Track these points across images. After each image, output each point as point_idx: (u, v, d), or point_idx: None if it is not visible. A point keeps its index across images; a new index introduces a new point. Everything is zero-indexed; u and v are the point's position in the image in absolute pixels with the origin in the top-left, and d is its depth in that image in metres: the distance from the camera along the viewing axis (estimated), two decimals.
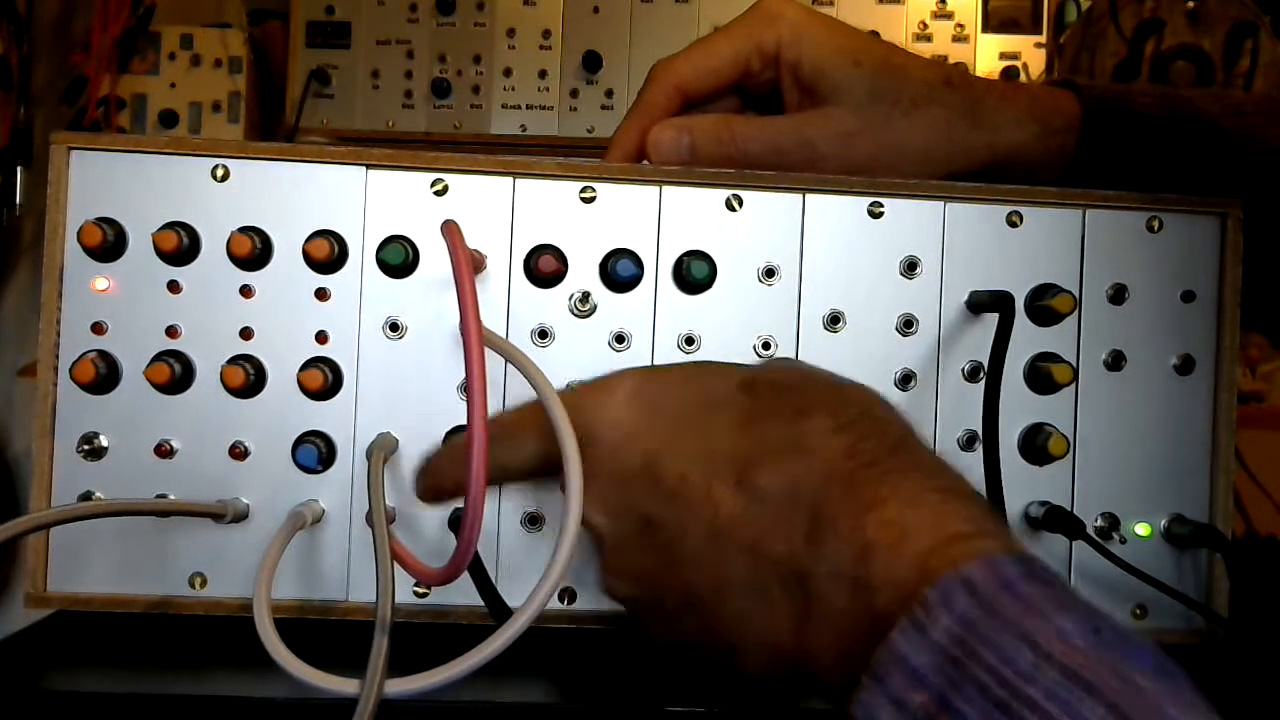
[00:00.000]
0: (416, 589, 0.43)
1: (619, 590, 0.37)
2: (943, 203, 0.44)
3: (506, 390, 0.43)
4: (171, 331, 0.42)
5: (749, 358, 0.44)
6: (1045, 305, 0.44)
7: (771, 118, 0.48)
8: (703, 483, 0.33)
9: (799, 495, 0.31)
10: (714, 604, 0.33)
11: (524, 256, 0.43)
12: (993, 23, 1.01)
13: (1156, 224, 0.45)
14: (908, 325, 0.44)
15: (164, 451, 0.42)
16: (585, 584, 0.44)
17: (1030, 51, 1.00)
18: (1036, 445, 0.44)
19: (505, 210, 0.43)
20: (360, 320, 0.43)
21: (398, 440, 0.43)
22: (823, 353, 0.44)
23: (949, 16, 0.99)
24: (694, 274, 0.43)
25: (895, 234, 0.44)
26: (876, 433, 0.32)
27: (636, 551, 0.35)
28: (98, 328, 0.42)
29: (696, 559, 0.33)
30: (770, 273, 0.44)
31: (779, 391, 0.35)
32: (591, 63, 0.97)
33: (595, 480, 0.34)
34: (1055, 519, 0.43)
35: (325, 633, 0.38)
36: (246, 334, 0.43)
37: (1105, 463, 0.45)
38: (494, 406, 0.43)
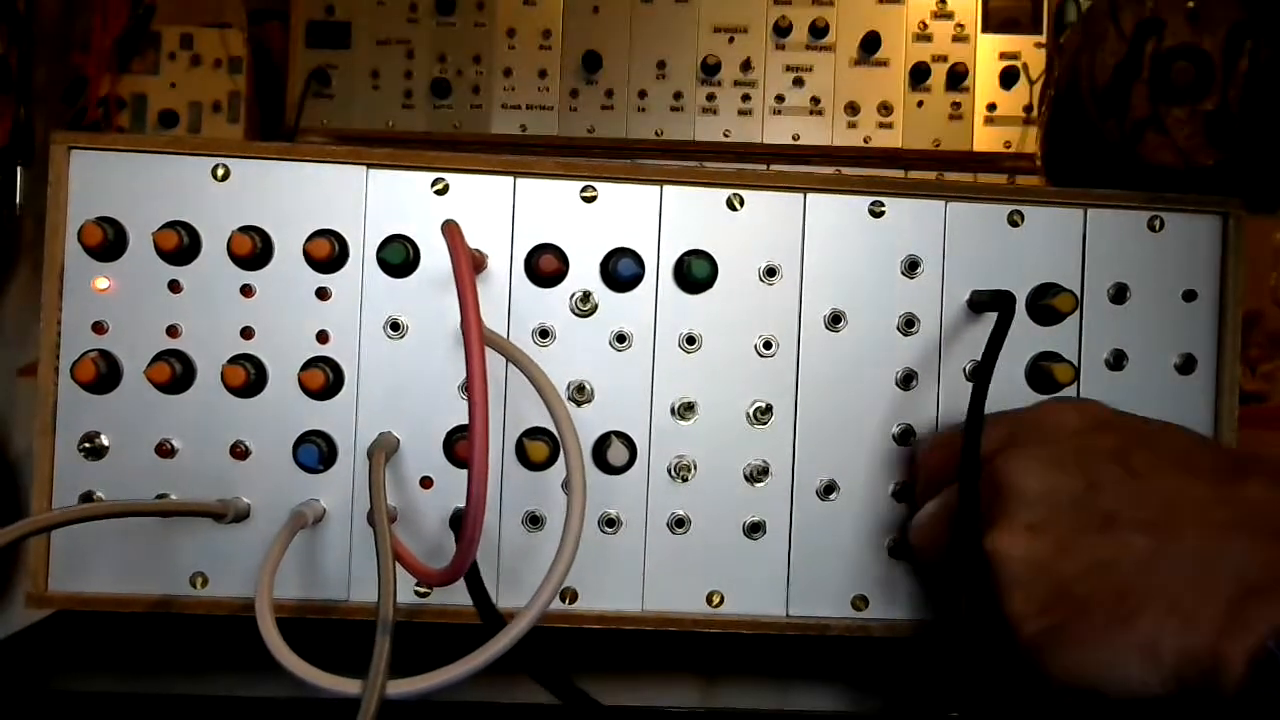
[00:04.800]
0: (418, 589, 0.43)
1: (1031, 622, 0.35)
2: (943, 202, 0.44)
3: (507, 390, 0.43)
4: (172, 331, 0.42)
5: (750, 357, 0.44)
6: (1046, 304, 0.44)
7: None
8: (1176, 481, 0.35)
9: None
10: (1149, 599, 0.33)
11: (525, 256, 0.43)
12: (993, 23, 1.01)
13: (1158, 223, 0.45)
14: (909, 325, 0.44)
15: (165, 451, 0.42)
16: (587, 584, 0.44)
17: (1030, 51, 1.00)
18: None
19: (506, 210, 0.43)
20: (361, 319, 0.43)
21: (399, 439, 0.43)
22: (824, 352, 0.44)
23: (949, 16, 0.99)
24: (695, 273, 0.43)
25: (896, 233, 0.44)
26: None
27: (1070, 559, 0.35)
28: (98, 327, 0.42)
29: (1150, 557, 0.34)
30: (771, 272, 0.44)
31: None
32: (591, 63, 0.97)
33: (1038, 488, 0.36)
34: None
35: (327, 633, 0.38)
36: (247, 333, 0.43)
37: None
38: (495, 406, 0.43)
